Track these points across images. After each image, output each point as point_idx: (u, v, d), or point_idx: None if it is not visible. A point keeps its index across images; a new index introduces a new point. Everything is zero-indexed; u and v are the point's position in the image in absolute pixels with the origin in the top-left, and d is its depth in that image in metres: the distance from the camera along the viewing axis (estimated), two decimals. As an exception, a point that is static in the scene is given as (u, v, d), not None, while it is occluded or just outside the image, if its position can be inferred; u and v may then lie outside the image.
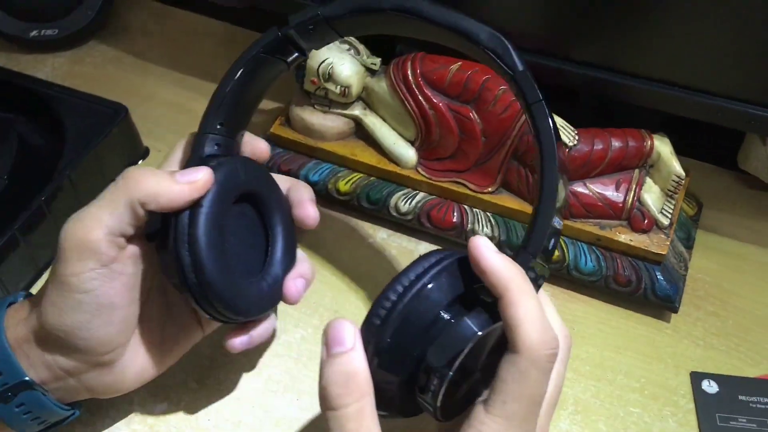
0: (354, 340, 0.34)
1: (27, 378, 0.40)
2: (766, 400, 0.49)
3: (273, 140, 0.60)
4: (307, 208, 0.46)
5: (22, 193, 0.56)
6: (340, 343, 0.34)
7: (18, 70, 0.67)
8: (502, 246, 0.55)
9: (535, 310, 0.34)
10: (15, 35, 0.72)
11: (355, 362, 0.33)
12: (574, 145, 0.52)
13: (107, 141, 0.60)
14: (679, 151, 0.53)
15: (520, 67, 0.39)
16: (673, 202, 0.53)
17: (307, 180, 0.59)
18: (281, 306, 0.47)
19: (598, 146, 0.52)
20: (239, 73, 0.43)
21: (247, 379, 0.50)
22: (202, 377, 0.50)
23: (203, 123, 0.44)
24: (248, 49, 0.43)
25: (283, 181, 0.47)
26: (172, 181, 0.39)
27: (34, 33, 0.72)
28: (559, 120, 0.52)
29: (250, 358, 0.51)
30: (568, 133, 0.52)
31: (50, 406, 0.42)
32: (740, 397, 0.49)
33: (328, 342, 0.34)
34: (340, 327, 0.34)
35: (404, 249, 0.58)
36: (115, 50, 0.75)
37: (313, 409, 0.49)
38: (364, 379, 0.33)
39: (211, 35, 0.77)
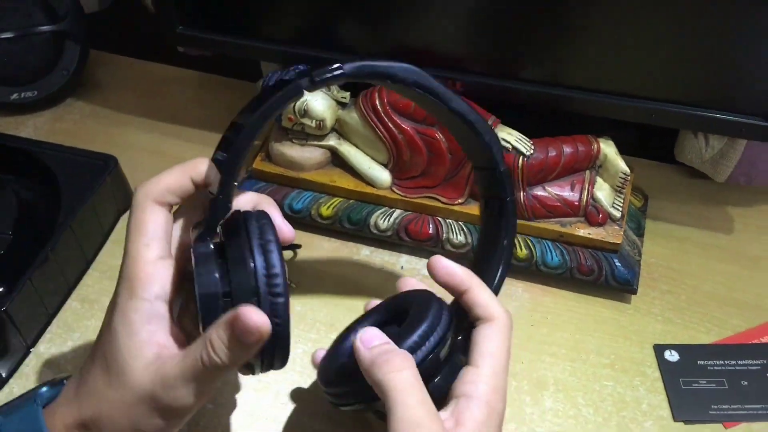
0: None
1: None
2: (720, 362, 0.56)
3: (256, 175, 0.66)
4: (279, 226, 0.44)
5: (26, 245, 0.60)
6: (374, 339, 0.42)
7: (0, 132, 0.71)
8: (474, 251, 0.61)
9: (491, 294, 0.45)
10: (-4, 100, 0.76)
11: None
12: (531, 154, 0.58)
13: (102, 190, 0.64)
14: (623, 150, 0.60)
15: (502, 168, 0.48)
16: (622, 196, 0.60)
17: (291, 208, 0.64)
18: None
19: (552, 153, 0.59)
20: (265, 123, 0.42)
21: (257, 396, 0.55)
22: (216, 398, 0.54)
23: (226, 188, 0.41)
24: (273, 103, 0.41)
25: (249, 198, 0.46)
26: None
27: (14, 96, 0.76)
28: (515, 133, 0.59)
29: (259, 376, 0.56)
30: (525, 144, 0.58)
31: None
32: (699, 362, 0.56)
33: (363, 341, 0.42)
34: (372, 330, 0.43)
35: (387, 262, 0.63)
36: (92, 105, 0.79)
37: (319, 414, 0.53)
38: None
39: (181, 83, 0.82)
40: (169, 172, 0.43)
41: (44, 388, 0.43)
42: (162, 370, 0.39)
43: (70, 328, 0.59)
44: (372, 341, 0.42)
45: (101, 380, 0.40)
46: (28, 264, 0.57)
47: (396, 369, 0.40)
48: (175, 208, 0.44)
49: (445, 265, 0.46)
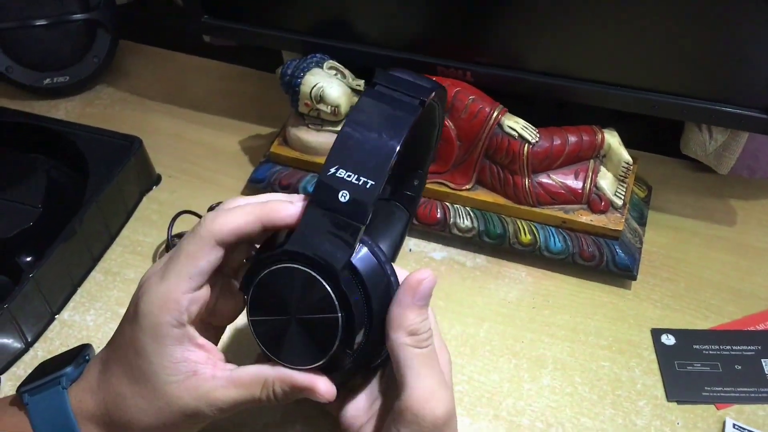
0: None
1: None
2: (716, 347, 0.57)
3: (273, 159, 0.68)
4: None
5: (55, 219, 0.63)
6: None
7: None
8: (481, 235, 0.63)
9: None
10: (29, 84, 0.80)
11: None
12: (536, 142, 0.60)
13: (126, 169, 0.67)
14: (630, 144, 0.62)
15: None
16: (625, 185, 0.62)
17: (306, 191, 0.66)
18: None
19: (557, 142, 0.61)
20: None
21: (265, 415, 0.55)
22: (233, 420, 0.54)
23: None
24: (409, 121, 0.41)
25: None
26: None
27: (47, 81, 0.80)
28: (522, 121, 0.61)
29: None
30: (530, 132, 0.60)
31: None
32: (694, 347, 0.58)
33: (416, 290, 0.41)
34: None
35: (396, 245, 0.66)
36: (120, 92, 0.83)
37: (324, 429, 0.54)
38: None
39: (205, 72, 0.85)
40: (240, 213, 0.41)
41: (69, 368, 0.45)
42: (204, 389, 0.41)
43: (93, 298, 0.63)
44: (426, 297, 0.41)
45: (128, 388, 0.42)
46: (56, 236, 0.60)
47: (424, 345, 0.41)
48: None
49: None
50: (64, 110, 0.81)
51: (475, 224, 0.64)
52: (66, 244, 0.61)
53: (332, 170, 0.39)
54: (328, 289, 0.39)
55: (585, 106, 0.63)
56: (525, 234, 0.62)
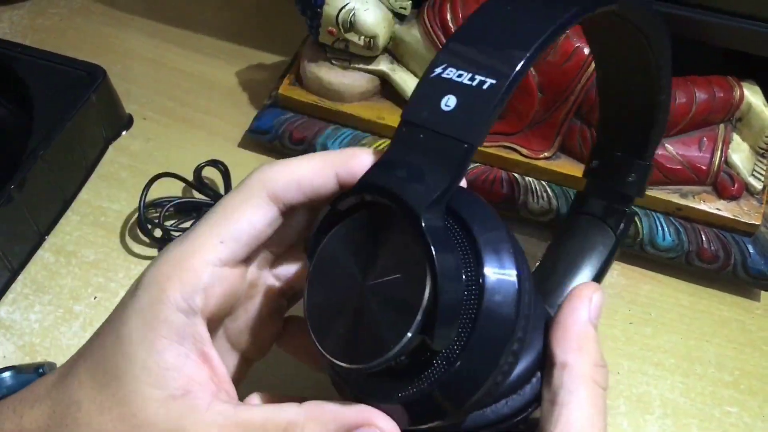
0: None
1: None
2: None
3: (282, 103, 0.51)
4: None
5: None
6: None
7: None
8: (560, 219, 0.47)
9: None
10: (-38, -15, 0.62)
11: None
12: (654, 99, 0.43)
13: (84, 111, 0.50)
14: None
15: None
16: (766, 162, 0.46)
17: (324, 149, 0.50)
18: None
19: (681, 99, 0.44)
20: None
21: None
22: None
23: None
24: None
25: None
26: None
27: (-16, -19, 0.61)
28: (633, 70, 0.44)
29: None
30: (645, 86, 0.43)
31: None
32: None
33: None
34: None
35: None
36: (83, -2, 0.65)
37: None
38: None
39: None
40: (307, 161, 0.29)
41: (7, 374, 0.35)
42: (193, 422, 0.26)
43: (41, 288, 0.47)
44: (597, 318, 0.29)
45: (89, 394, 0.27)
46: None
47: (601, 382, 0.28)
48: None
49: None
50: (8, 21, 0.63)
51: (554, 204, 0.47)
52: (0, 213, 0.44)
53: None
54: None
55: (695, 49, 0.46)
56: (622, 222, 0.46)
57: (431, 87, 0.27)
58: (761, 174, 0.45)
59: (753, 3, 0.43)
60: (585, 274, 0.39)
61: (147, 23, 0.63)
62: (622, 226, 0.40)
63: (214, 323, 0.29)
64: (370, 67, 0.49)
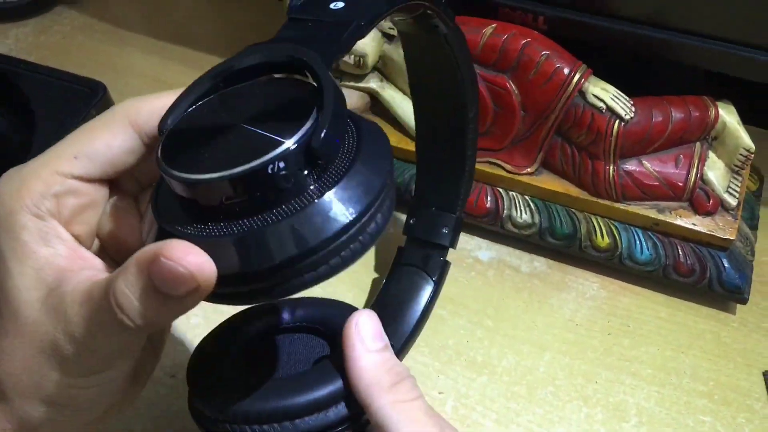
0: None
1: None
2: None
3: (275, 118, 0.53)
4: None
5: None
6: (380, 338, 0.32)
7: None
8: (543, 233, 0.49)
9: None
10: (-30, 3, 0.64)
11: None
12: (631, 118, 0.45)
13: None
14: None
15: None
16: (740, 179, 0.47)
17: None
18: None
19: (658, 118, 0.45)
20: None
21: None
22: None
23: None
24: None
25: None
26: None
27: (-8, -1, 0.64)
28: (612, 89, 0.45)
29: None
30: (623, 104, 0.45)
31: None
32: (823, 400, 0.44)
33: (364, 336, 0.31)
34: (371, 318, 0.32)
35: (431, 239, 0.51)
36: (86, 16, 0.67)
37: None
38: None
39: (192, -4, 0.69)
40: (174, 94, 0.28)
41: None
42: (62, 307, 0.26)
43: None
44: (376, 339, 0.31)
45: None
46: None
47: (407, 397, 0.30)
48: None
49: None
50: (13, 38, 0.65)
51: (536, 219, 0.49)
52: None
53: None
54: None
55: (676, 70, 0.47)
56: (602, 236, 0.48)
57: None
58: (736, 191, 0.47)
59: (727, 27, 0.44)
60: (408, 320, 0.44)
61: (147, 41, 0.65)
62: (438, 273, 0.45)
63: (84, 237, 0.29)
64: (361, 84, 0.50)
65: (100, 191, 0.30)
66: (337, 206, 0.23)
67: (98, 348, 0.27)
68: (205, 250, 0.23)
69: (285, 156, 0.23)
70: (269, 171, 0.23)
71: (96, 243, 0.31)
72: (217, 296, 0.24)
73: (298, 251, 0.23)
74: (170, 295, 0.24)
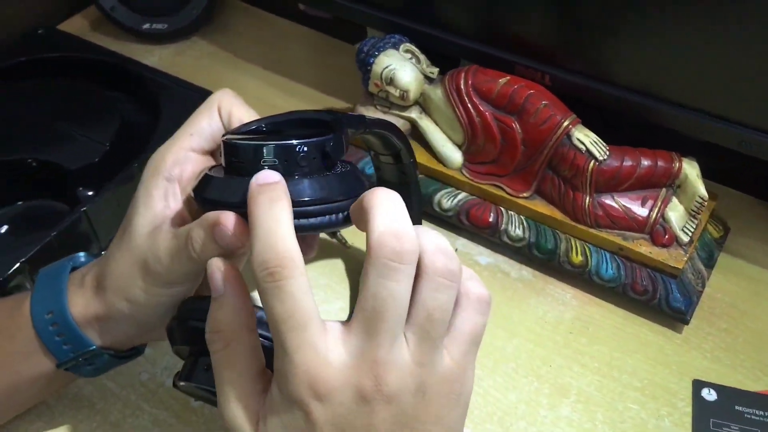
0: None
1: (94, 347, 0.44)
2: (761, 412, 0.52)
3: (338, 134, 0.68)
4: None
5: (120, 158, 0.65)
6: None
7: (130, 57, 0.77)
8: (531, 247, 0.60)
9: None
10: (131, 27, 0.83)
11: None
12: (604, 159, 0.56)
13: (195, 122, 0.68)
14: (712, 177, 0.57)
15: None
16: (696, 222, 0.57)
17: (363, 172, 0.65)
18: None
19: (627, 163, 0.56)
20: None
21: None
22: None
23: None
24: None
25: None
26: None
27: (146, 26, 0.82)
28: (593, 136, 0.57)
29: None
30: (599, 148, 0.56)
31: (116, 363, 0.46)
32: (737, 407, 0.52)
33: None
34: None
35: (444, 242, 0.64)
36: (214, 46, 0.84)
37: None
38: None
39: (299, 40, 0.86)
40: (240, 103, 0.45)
41: (83, 254, 0.48)
42: (156, 240, 0.41)
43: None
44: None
45: (115, 243, 0.43)
46: (116, 175, 0.62)
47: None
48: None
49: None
50: (158, 56, 0.83)
51: (527, 235, 0.60)
52: (123, 186, 0.62)
53: None
54: None
55: (666, 131, 0.58)
56: (577, 254, 0.59)
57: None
58: (690, 230, 0.57)
59: (700, 99, 0.55)
60: None
61: (258, 70, 0.81)
62: None
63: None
64: (404, 113, 0.64)
65: (206, 159, 0.44)
66: (326, 186, 0.38)
67: (174, 269, 0.41)
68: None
69: (307, 144, 0.38)
70: (296, 149, 0.37)
71: None
72: None
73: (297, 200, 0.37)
74: (218, 243, 0.38)
